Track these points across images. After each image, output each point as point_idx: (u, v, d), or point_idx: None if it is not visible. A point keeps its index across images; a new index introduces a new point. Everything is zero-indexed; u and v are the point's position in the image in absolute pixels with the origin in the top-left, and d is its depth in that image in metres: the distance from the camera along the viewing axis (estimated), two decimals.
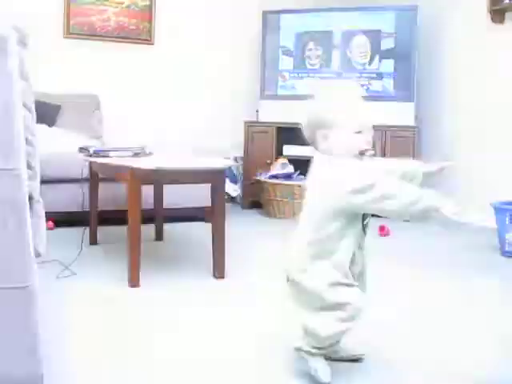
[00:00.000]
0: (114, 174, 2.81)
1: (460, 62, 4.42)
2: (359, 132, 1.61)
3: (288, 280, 1.66)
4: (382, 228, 3.75)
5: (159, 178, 2.70)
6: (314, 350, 1.63)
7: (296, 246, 1.65)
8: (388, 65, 4.44)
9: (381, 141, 4.28)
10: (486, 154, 4.22)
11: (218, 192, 2.67)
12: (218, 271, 2.64)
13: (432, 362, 1.78)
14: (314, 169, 1.69)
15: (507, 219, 3.26)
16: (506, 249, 3.28)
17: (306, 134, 1.70)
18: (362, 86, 4.45)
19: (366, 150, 1.61)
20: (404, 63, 4.38)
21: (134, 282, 2.46)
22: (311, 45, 4.62)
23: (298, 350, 1.67)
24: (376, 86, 4.48)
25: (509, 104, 4.04)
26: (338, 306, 1.56)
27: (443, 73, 4.57)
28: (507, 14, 4.03)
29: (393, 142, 4.32)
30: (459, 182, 4.43)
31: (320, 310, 1.58)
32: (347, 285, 1.58)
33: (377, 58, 4.47)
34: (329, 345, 1.65)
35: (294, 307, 1.66)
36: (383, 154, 4.26)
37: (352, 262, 1.61)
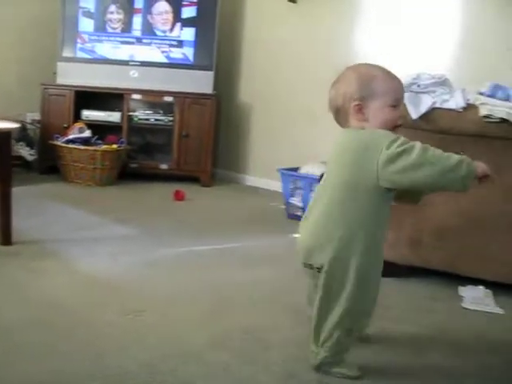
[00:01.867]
0: None
1: (259, 34, 4.66)
2: (395, 106, 1.57)
3: (319, 270, 1.57)
4: (177, 193, 3.87)
5: None
6: (332, 360, 1.60)
7: (333, 225, 1.55)
8: (189, 33, 4.53)
9: (180, 108, 4.38)
10: (274, 122, 4.56)
11: (2, 155, 2.58)
12: (5, 238, 2.58)
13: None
14: (342, 140, 1.61)
15: (291, 184, 3.57)
16: (290, 212, 3.61)
17: (336, 103, 1.60)
18: (163, 52, 4.50)
19: (400, 125, 1.59)
20: (205, 32, 4.50)
21: None
22: (112, 8, 4.53)
23: (318, 367, 1.62)
24: (176, 53, 4.55)
25: (298, 79, 4.39)
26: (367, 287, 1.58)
27: (243, 44, 4.79)
28: None
29: (192, 110, 4.45)
30: (252, 147, 4.74)
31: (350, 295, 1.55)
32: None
33: (178, 25, 4.53)
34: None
35: (319, 307, 1.58)
36: (182, 121, 4.39)
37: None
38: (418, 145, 1.47)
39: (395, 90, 1.57)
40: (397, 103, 1.57)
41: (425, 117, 2.36)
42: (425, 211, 2.42)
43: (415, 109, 2.35)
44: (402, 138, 1.49)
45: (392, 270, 2.54)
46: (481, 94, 2.38)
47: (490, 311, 2.27)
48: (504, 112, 2.26)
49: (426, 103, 2.37)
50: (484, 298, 2.37)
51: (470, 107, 2.36)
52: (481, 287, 2.44)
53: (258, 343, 1.81)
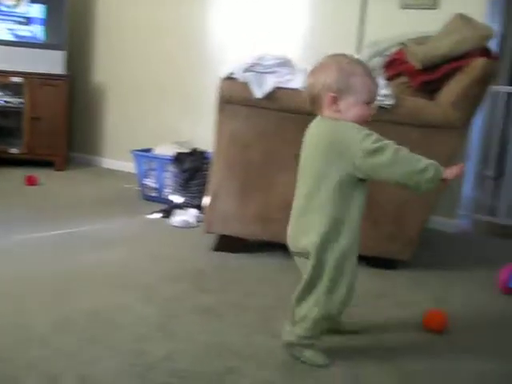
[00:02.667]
0: None
1: (113, 13, 4.55)
2: (368, 103, 1.61)
3: (307, 256, 1.62)
4: (29, 178, 3.72)
5: None
6: (306, 341, 1.65)
7: (316, 212, 1.60)
8: (38, 10, 4.31)
9: (30, 89, 4.18)
10: (130, 103, 4.50)
11: None
12: None
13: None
14: (317, 130, 1.65)
15: (145, 166, 3.56)
16: (145, 193, 3.60)
17: (313, 90, 1.62)
18: (9, 30, 4.25)
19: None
20: (55, 9, 4.30)
21: None
22: None
23: (290, 345, 1.67)
24: (24, 31, 4.31)
25: (151, 59, 4.36)
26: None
27: (96, 23, 4.64)
28: None
29: (43, 91, 4.25)
30: (107, 129, 4.65)
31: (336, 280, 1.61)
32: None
33: (25, 1, 4.30)
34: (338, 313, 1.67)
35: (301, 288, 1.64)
36: (32, 103, 4.19)
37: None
38: (391, 144, 1.54)
39: (371, 88, 1.62)
40: (370, 101, 1.62)
41: (269, 96, 2.44)
42: (271, 188, 2.52)
43: (259, 88, 2.42)
44: (376, 134, 1.55)
45: (242, 245, 2.64)
46: None
47: None
48: None
49: (269, 83, 2.45)
50: None
51: None
52: None
53: (105, 324, 1.80)
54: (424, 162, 1.53)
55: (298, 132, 2.46)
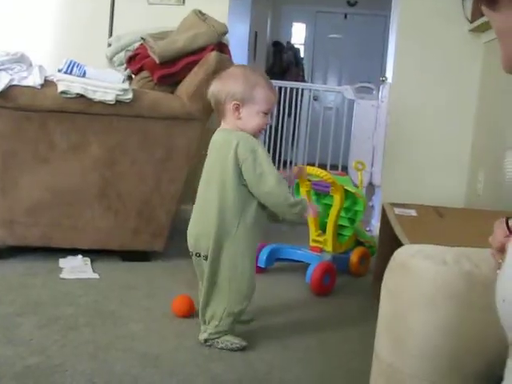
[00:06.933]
0: None
1: None
2: (266, 114, 1.76)
3: (205, 257, 1.76)
4: None
5: None
6: (221, 329, 1.80)
7: (213, 214, 1.73)
8: None
9: None
10: None
11: None
12: None
13: None
14: (218, 139, 1.79)
15: None
16: None
17: (218, 97, 1.75)
18: None
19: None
20: None
21: None
22: None
23: (207, 340, 1.81)
24: None
25: None
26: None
27: None
28: None
29: None
30: None
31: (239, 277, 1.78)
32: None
33: None
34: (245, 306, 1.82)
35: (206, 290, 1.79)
36: None
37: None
38: (274, 176, 1.71)
39: (271, 100, 1.77)
40: (268, 111, 1.77)
41: (3, 94, 2.33)
42: (14, 191, 2.41)
43: None
44: (262, 156, 1.71)
45: None
46: (59, 70, 2.44)
47: (87, 277, 2.40)
48: (79, 87, 2.37)
49: (3, 80, 2.33)
50: (82, 266, 2.49)
51: (48, 84, 2.41)
52: (79, 256, 2.56)
53: None
54: (294, 200, 1.77)
55: (40, 130, 2.41)
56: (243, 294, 1.79)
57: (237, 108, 1.73)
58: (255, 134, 1.77)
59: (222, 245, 1.75)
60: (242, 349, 1.82)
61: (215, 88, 1.77)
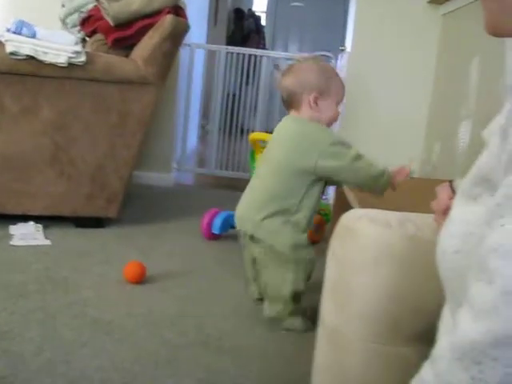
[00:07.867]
0: None
1: None
2: (338, 104, 1.77)
3: (251, 237, 1.75)
4: None
5: None
6: (284, 314, 1.77)
7: (259, 201, 1.72)
8: None
9: None
10: None
11: None
12: None
13: None
14: (289, 126, 1.77)
15: None
16: None
17: (292, 88, 1.74)
18: None
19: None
20: None
21: None
22: None
23: (273, 318, 1.79)
24: None
25: None
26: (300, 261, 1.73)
27: None
28: None
29: None
30: None
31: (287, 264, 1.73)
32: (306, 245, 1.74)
33: None
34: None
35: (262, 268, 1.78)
36: None
37: (309, 223, 1.74)
38: (352, 153, 1.67)
39: (343, 91, 1.79)
40: (340, 102, 1.79)
41: None
42: None
43: None
44: (341, 142, 1.70)
45: None
46: (7, 30, 2.35)
47: (39, 244, 2.35)
48: (29, 49, 2.29)
49: None
50: (34, 233, 2.44)
51: None
52: (31, 223, 2.50)
53: None
54: (377, 170, 1.72)
55: None
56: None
57: (316, 100, 1.73)
58: (329, 125, 1.80)
59: (279, 227, 1.73)
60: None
61: (289, 81, 1.76)
